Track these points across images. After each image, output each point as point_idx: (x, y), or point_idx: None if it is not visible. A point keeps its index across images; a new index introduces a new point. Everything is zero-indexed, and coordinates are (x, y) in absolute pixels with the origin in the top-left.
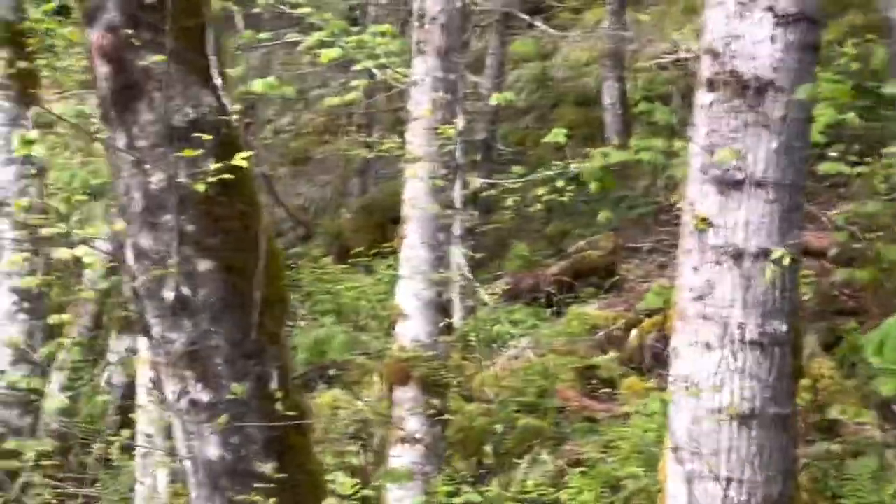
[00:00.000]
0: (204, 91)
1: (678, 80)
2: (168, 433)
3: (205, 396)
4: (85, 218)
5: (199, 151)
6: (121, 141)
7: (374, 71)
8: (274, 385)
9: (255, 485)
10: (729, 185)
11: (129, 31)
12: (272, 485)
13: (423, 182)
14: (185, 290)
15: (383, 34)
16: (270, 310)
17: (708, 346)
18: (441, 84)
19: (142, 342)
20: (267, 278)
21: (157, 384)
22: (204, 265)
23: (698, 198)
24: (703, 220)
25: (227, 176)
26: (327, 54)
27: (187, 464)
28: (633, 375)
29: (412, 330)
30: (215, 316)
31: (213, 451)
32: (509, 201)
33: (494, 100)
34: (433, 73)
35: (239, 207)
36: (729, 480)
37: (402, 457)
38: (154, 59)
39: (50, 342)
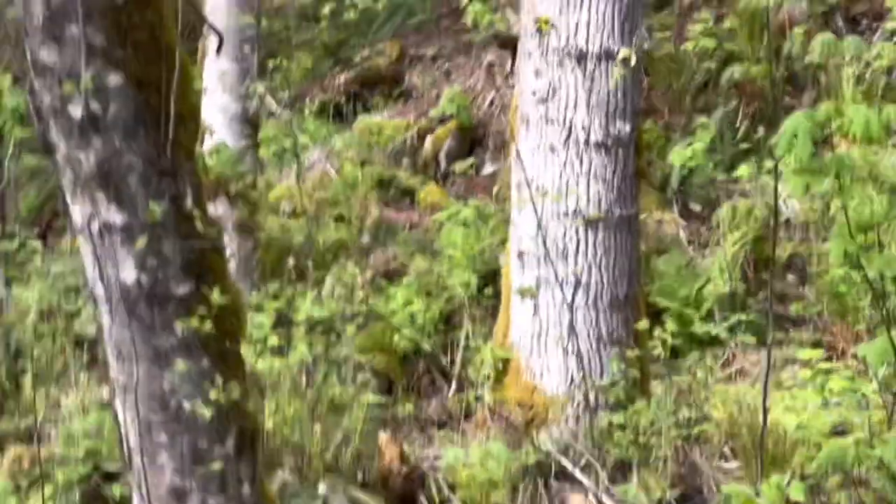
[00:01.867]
0: None
1: None
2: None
3: (119, 218)
4: None
5: None
6: None
7: None
8: (189, 204)
9: (174, 308)
10: None
11: None
12: (192, 307)
13: None
14: (95, 107)
15: None
16: (184, 125)
17: (552, 149)
18: None
19: None
20: (179, 92)
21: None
22: (114, 79)
23: None
24: (545, 21)
25: None
26: None
27: (98, 291)
28: (430, 184)
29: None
30: (127, 133)
31: (128, 275)
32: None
33: None
34: None
35: (148, 17)
36: (577, 284)
37: None
38: None
39: None
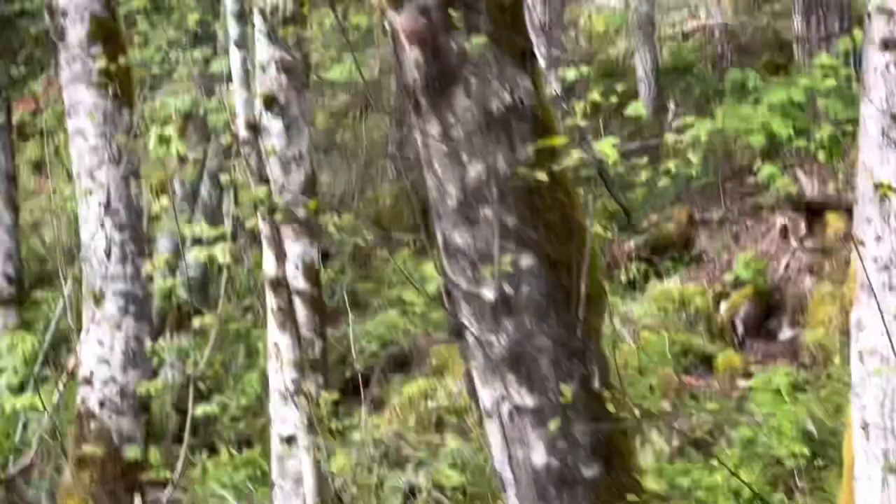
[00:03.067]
0: (520, 73)
1: (705, 48)
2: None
3: (529, 401)
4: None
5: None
6: (433, 130)
7: None
8: (597, 384)
9: (582, 491)
10: None
11: (444, 13)
12: (599, 491)
13: None
14: (507, 288)
15: None
16: (591, 305)
17: None
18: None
19: (274, 336)
20: (589, 271)
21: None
22: (526, 260)
23: (877, 164)
24: (886, 186)
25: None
26: None
27: (506, 473)
28: (727, 349)
29: None
30: (539, 314)
31: (538, 458)
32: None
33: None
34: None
35: (559, 196)
36: None
37: None
38: (474, 41)
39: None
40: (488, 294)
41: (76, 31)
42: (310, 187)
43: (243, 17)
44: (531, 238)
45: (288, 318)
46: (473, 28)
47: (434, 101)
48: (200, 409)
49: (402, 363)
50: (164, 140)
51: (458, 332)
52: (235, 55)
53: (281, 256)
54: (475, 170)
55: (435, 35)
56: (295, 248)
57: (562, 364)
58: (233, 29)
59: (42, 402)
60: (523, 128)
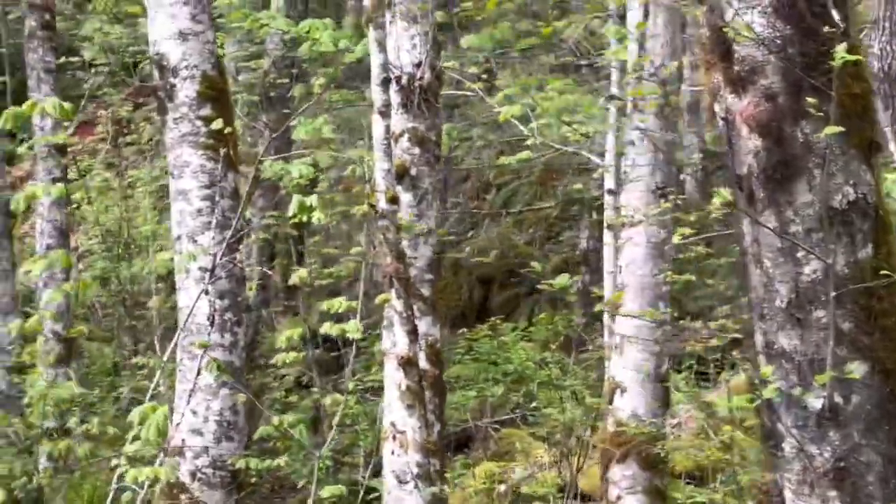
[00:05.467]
0: (864, 167)
1: None
2: None
3: None
4: None
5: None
6: (769, 224)
7: (524, 129)
8: None
9: None
10: None
11: (794, 100)
12: None
13: (640, 247)
14: (837, 397)
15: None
16: None
17: None
18: (659, 142)
19: (396, 416)
20: None
21: None
22: (859, 368)
23: None
24: None
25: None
26: (507, 113)
27: None
28: None
29: (630, 403)
30: (869, 427)
31: None
32: None
33: None
34: (651, 130)
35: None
36: None
37: None
38: (826, 130)
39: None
40: (814, 402)
41: (186, 91)
42: (436, 264)
43: (387, 84)
44: (865, 344)
45: (418, 399)
46: (823, 116)
47: (772, 193)
48: (327, 491)
49: (462, 444)
50: (304, 209)
51: (774, 440)
52: (379, 124)
53: (414, 335)
54: (811, 268)
55: (780, 122)
56: (419, 326)
57: (890, 482)
58: (377, 97)
59: (168, 475)
60: (865, 225)
